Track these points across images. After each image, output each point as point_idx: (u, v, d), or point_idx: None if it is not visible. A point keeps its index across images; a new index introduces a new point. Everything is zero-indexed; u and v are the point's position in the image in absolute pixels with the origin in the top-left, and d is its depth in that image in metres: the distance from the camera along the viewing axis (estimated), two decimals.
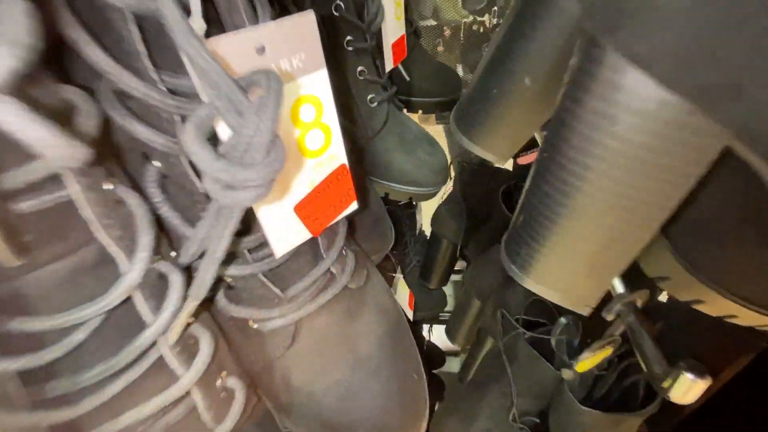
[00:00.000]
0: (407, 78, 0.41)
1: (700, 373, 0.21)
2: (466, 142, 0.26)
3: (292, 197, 0.14)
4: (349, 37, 0.30)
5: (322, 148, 0.14)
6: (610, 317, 0.27)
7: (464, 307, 0.60)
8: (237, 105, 0.09)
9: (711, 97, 0.12)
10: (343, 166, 0.15)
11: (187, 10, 0.11)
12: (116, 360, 0.11)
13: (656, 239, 0.23)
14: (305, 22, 0.12)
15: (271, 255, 0.15)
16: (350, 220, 0.23)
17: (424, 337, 0.79)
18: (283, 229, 0.14)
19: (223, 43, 0.11)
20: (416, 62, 0.47)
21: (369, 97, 0.33)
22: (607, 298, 0.26)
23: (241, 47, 0.11)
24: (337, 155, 0.14)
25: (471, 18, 1.12)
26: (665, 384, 0.22)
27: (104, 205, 0.11)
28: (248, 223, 0.14)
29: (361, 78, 0.32)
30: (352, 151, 0.32)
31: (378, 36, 0.32)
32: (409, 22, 0.41)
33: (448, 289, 0.79)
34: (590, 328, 0.33)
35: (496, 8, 1.00)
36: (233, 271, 0.14)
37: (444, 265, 0.68)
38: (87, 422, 0.10)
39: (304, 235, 0.15)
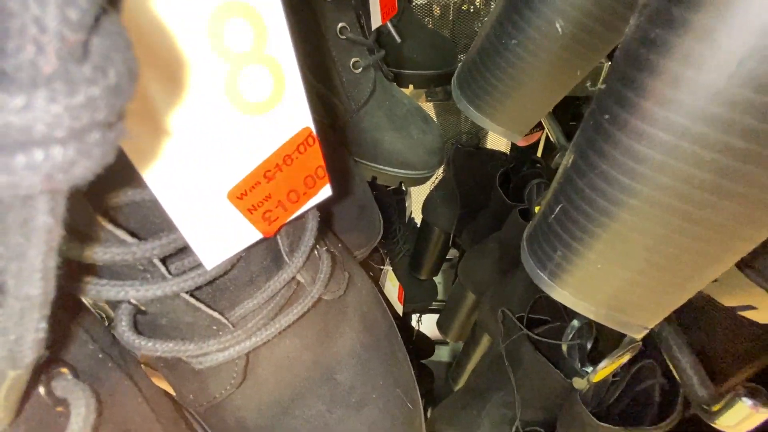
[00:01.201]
0: (398, 39, 0.35)
1: (761, 400, 0.17)
2: (473, 114, 0.21)
3: (222, 177, 0.08)
4: None
5: (269, 100, 0.08)
6: None
7: (458, 300, 0.56)
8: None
9: None
10: (307, 130, 0.10)
11: None
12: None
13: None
14: None
15: (199, 266, 0.10)
16: (326, 210, 0.18)
17: (413, 328, 0.75)
18: (213, 229, 0.09)
19: None
20: (407, 28, 0.41)
21: (352, 61, 0.28)
22: None
23: None
24: (295, 113, 0.09)
25: None
26: (714, 408, 0.18)
27: None
28: (155, 218, 0.09)
29: (343, 37, 0.26)
30: (332, 126, 0.26)
31: None
32: None
33: (437, 278, 0.75)
34: (606, 332, 0.29)
35: None
36: (136, 292, 0.09)
37: (435, 254, 0.64)
38: None
39: (250, 236, 0.10)
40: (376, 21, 0.27)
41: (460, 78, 0.22)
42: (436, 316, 0.64)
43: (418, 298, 0.69)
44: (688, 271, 0.12)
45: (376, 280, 0.44)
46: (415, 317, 0.80)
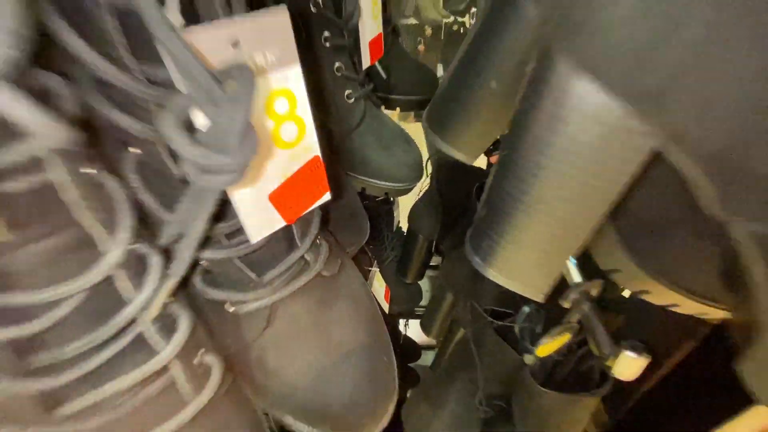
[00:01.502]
0: (384, 76, 0.42)
1: (639, 351, 0.24)
2: (438, 141, 0.28)
3: (266, 186, 0.14)
4: (326, 33, 0.31)
5: (296, 140, 0.15)
6: (567, 305, 0.29)
7: (439, 300, 0.61)
8: (212, 95, 0.10)
9: (645, 102, 0.14)
10: (316, 158, 0.16)
11: (162, 2, 0.12)
12: (97, 334, 0.11)
13: (608, 235, 0.25)
14: (279, 17, 0.13)
15: (246, 241, 0.16)
16: (326, 212, 0.24)
17: (400, 332, 0.81)
18: (258, 217, 0.15)
19: (198, 35, 0.11)
20: (395, 61, 0.48)
21: (346, 93, 0.34)
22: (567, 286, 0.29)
23: (215, 40, 0.12)
24: (311, 147, 0.15)
25: (452, 18, 1.14)
26: (609, 362, 0.24)
27: (85, 189, 0.11)
28: (225, 210, 0.15)
29: (339, 74, 0.33)
30: (328, 146, 0.33)
31: (356, 34, 0.33)
32: (387, 21, 0.42)
33: (424, 285, 0.81)
34: (553, 317, 0.35)
35: (475, 9, 1.02)
36: (209, 254, 0.15)
37: (420, 260, 0.70)
38: (70, 392, 0.11)
39: (279, 222, 0.16)
40: (366, 62, 0.34)
41: (429, 110, 0.29)
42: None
43: (404, 300, 0.74)
44: (564, 249, 0.18)
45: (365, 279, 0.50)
46: (402, 322, 0.85)
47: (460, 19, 1.18)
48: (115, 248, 0.11)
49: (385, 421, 0.23)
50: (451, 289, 0.56)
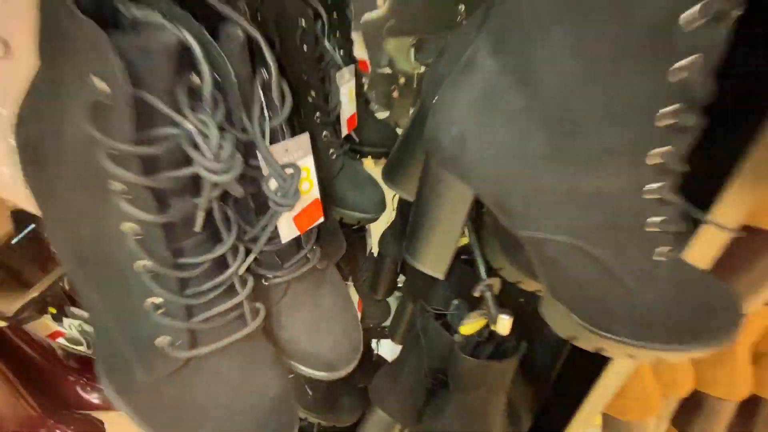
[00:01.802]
0: (356, 140, 0.58)
1: (508, 314, 0.38)
2: (392, 186, 0.43)
3: (293, 213, 0.28)
4: (318, 114, 0.47)
5: (308, 190, 0.29)
6: (477, 295, 0.44)
7: (401, 310, 0.75)
8: (282, 176, 0.24)
9: (467, 179, 0.29)
10: (317, 199, 0.30)
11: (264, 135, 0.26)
12: (216, 281, 0.25)
13: (496, 245, 0.40)
14: (304, 138, 0.27)
15: (279, 242, 0.29)
16: (318, 230, 0.39)
17: (373, 350, 0.93)
18: (287, 229, 0.29)
19: (274, 148, 0.25)
20: (366, 124, 0.64)
21: (330, 151, 0.49)
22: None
23: (280, 150, 0.26)
24: (315, 193, 0.30)
25: (422, 69, 1.36)
26: (493, 325, 0.39)
27: (217, 209, 0.25)
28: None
29: (325, 140, 0.48)
30: (320, 188, 0.49)
31: (337, 114, 0.49)
32: (364, 99, 0.58)
33: (393, 303, 0.94)
34: (474, 307, 0.50)
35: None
36: (261, 248, 0.28)
37: (388, 278, 0.84)
38: (202, 308, 0.24)
39: (296, 232, 0.30)
40: (344, 131, 0.49)
41: (384, 169, 0.44)
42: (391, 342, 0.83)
43: (374, 315, 0.87)
44: (448, 249, 0.33)
45: None
46: (374, 342, 0.98)
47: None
48: (228, 241, 0.25)
49: (354, 363, 0.36)
50: (410, 297, 0.70)
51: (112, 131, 0.19)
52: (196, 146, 0.20)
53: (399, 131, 0.78)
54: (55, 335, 0.71)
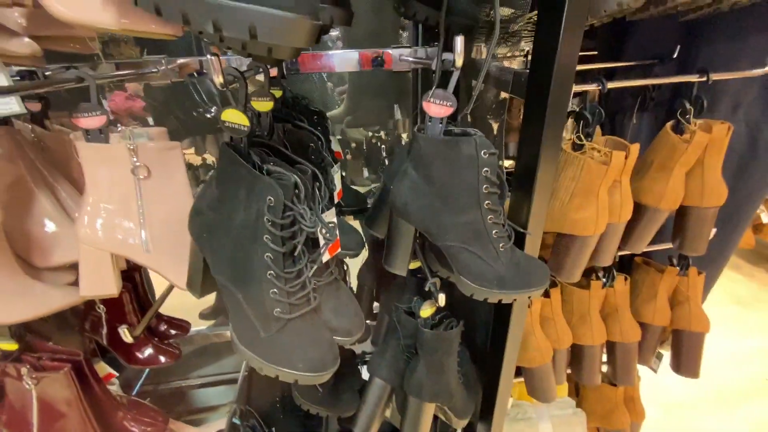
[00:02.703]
0: (342, 203, 0.89)
1: (433, 303, 0.68)
2: (371, 229, 0.73)
3: (329, 246, 0.57)
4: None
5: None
6: (427, 289, 0.73)
7: (380, 324, 1.02)
8: (329, 227, 0.52)
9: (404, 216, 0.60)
10: (337, 239, 0.59)
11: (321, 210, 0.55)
12: (302, 279, 0.52)
13: (434, 260, 0.71)
14: (333, 210, 0.57)
15: (320, 261, 0.57)
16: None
17: (360, 371, 1.17)
18: (325, 255, 0.57)
19: (324, 216, 0.55)
20: (346, 194, 0.95)
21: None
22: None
23: (328, 215, 0.55)
24: (336, 240, 0.59)
25: (371, 134, 1.74)
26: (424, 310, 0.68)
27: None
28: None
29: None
30: None
31: (332, 191, 0.79)
32: (349, 182, 0.90)
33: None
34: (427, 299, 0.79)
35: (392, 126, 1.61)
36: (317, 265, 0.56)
37: (366, 304, 1.11)
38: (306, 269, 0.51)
39: (328, 257, 0.58)
40: (336, 199, 0.80)
41: (366, 220, 0.75)
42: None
43: None
44: (406, 255, 0.63)
45: None
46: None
47: (377, 135, 1.79)
48: (304, 260, 0.53)
49: (361, 332, 0.64)
50: (385, 311, 0.98)
51: (272, 218, 0.48)
52: (303, 217, 0.49)
53: (354, 188, 1.10)
54: (108, 377, 0.91)
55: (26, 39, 0.57)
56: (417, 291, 0.83)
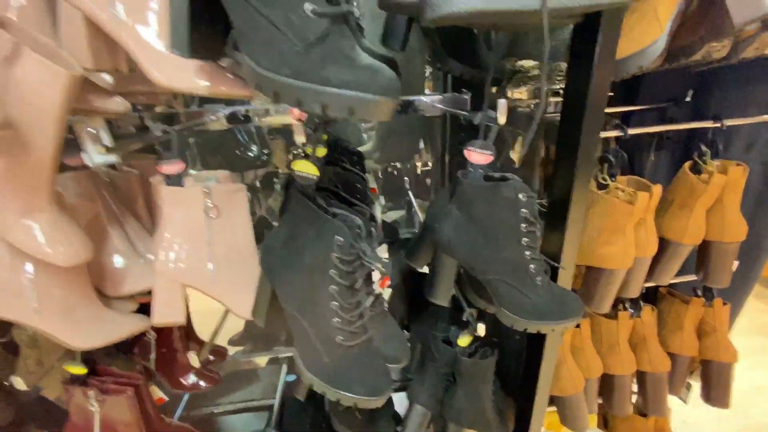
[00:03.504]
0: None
1: (471, 332, 0.72)
2: (411, 261, 0.79)
3: (380, 280, 0.63)
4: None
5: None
6: (465, 319, 0.78)
7: (412, 350, 1.05)
8: (382, 262, 0.58)
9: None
10: (386, 275, 0.65)
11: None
12: (360, 309, 0.58)
13: (472, 293, 0.76)
14: (384, 246, 0.63)
15: (375, 292, 0.63)
16: None
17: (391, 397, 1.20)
18: (377, 287, 0.63)
19: (378, 251, 0.61)
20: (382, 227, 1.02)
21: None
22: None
23: (380, 252, 0.61)
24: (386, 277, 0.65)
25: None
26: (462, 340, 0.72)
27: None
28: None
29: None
30: None
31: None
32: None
33: None
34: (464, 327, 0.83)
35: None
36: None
37: None
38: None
39: (380, 290, 0.64)
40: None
41: (406, 253, 0.81)
42: None
43: None
44: (447, 291, 0.68)
45: None
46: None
47: (392, 164, 1.86)
48: (363, 291, 0.59)
49: (407, 359, 0.69)
50: (417, 340, 1.02)
51: (339, 255, 0.54)
52: (364, 254, 0.56)
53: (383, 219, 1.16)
54: (159, 401, 0.97)
55: (119, 98, 0.67)
56: (450, 320, 0.88)
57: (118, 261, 0.78)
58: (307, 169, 0.57)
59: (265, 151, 1.26)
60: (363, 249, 0.55)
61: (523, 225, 0.60)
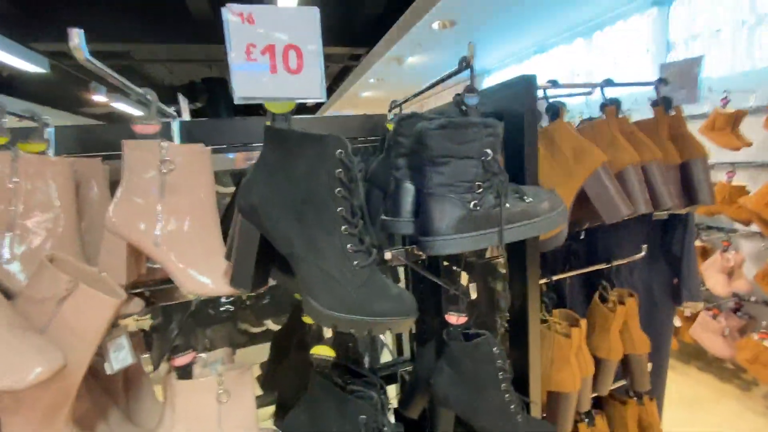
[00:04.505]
0: None
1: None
2: (403, 414, 0.87)
3: None
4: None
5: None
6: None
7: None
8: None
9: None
10: None
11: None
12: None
13: None
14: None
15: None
16: None
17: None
18: None
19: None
20: None
21: None
22: None
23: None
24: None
25: None
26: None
27: None
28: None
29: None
30: None
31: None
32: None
33: None
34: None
35: None
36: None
37: None
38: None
39: None
40: None
41: (400, 401, 0.89)
42: None
43: None
44: None
45: None
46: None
47: None
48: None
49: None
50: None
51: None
52: (384, 426, 0.64)
53: None
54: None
55: (137, 299, 0.72)
56: None
57: None
58: (324, 352, 0.68)
59: None
60: (382, 422, 0.64)
61: (501, 373, 0.75)
